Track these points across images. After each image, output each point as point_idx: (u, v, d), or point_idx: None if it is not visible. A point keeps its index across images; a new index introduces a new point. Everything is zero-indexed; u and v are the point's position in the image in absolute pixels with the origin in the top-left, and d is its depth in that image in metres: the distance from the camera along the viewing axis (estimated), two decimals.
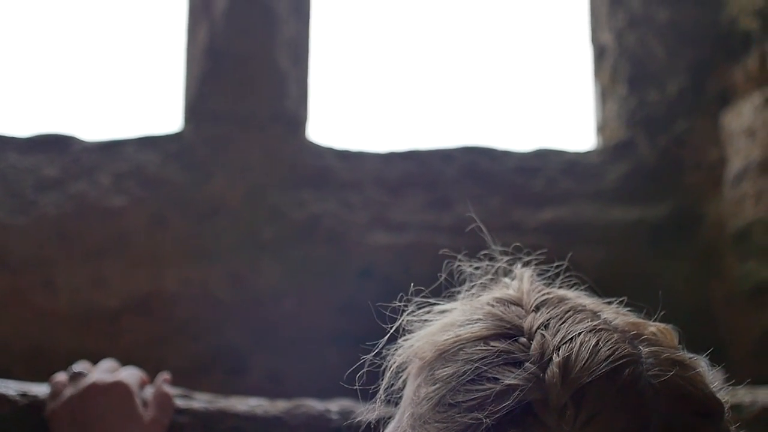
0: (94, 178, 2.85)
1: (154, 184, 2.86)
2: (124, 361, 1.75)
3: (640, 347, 0.99)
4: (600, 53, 3.06)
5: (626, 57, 2.97)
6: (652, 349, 1.00)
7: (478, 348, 1.00)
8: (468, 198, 2.86)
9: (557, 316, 1.02)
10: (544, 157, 2.95)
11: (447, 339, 1.04)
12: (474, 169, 2.90)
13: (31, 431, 1.63)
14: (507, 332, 1.01)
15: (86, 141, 2.92)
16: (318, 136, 2.99)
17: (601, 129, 3.03)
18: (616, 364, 0.95)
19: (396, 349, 1.15)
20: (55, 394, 1.63)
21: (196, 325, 2.73)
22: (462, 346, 1.02)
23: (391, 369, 1.14)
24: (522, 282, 1.13)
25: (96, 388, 1.59)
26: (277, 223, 2.83)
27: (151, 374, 1.72)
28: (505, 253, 1.25)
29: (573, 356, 0.95)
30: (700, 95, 2.91)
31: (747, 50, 2.84)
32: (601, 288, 2.71)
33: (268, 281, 2.78)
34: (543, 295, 1.08)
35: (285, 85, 2.92)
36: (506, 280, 1.18)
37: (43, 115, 3.09)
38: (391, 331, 1.17)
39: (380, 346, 1.18)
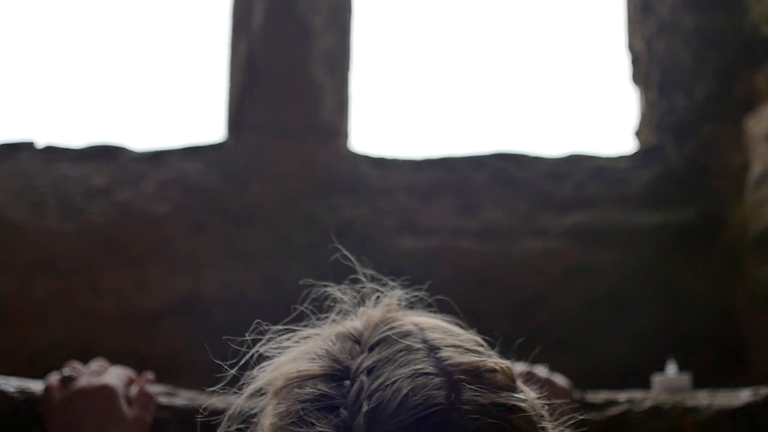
0: (139, 186, 3.01)
1: (195, 192, 3.00)
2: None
3: (462, 392, 0.98)
4: (634, 59, 3.10)
5: (656, 63, 3.01)
6: (475, 393, 0.98)
7: (307, 389, 1.02)
8: (495, 202, 2.94)
9: (386, 357, 1.02)
10: (574, 162, 3.00)
11: (290, 373, 1.06)
12: (503, 175, 2.97)
13: (28, 425, 1.78)
14: (335, 374, 1.03)
15: (134, 151, 3.08)
16: (353, 144, 3.09)
17: (637, 134, 3.07)
18: (425, 413, 0.94)
19: (254, 374, 1.16)
20: (47, 395, 1.77)
21: (232, 327, 2.86)
22: (298, 383, 1.04)
23: (248, 393, 1.15)
24: (373, 314, 1.13)
25: (83, 392, 1.73)
26: (309, 229, 2.95)
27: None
28: (374, 279, 1.23)
29: (382, 405, 0.96)
30: (725, 101, 2.93)
31: None
32: (624, 290, 2.77)
33: (300, 285, 2.88)
34: (386, 330, 1.08)
35: (320, 96, 3.03)
36: (362, 309, 1.16)
37: (96, 126, 3.27)
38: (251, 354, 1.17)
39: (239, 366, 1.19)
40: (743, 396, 1.79)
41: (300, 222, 2.96)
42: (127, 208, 2.98)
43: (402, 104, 3.24)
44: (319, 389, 1.00)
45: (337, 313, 1.18)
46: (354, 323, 1.11)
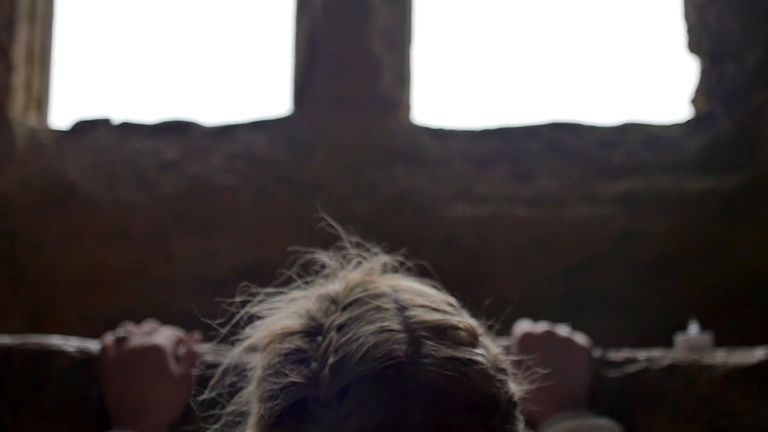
0: (208, 159, 3.16)
1: (260, 164, 3.14)
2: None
3: (422, 347, 1.07)
4: (690, 28, 3.13)
5: (708, 32, 3.05)
6: (434, 348, 1.07)
7: (285, 344, 1.14)
8: (549, 171, 3.02)
9: (357, 316, 1.12)
10: (627, 130, 3.06)
11: (275, 330, 1.18)
12: (557, 144, 3.05)
13: (86, 381, 1.94)
14: (310, 330, 1.14)
15: (204, 125, 3.23)
16: (414, 116, 3.19)
17: (693, 101, 3.12)
18: (385, 364, 1.04)
19: (247, 332, 1.26)
20: (103, 355, 1.93)
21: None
22: (279, 339, 1.16)
23: (241, 348, 1.26)
24: (352, 277, 1.24)
25: (134, 352, 1.91)
26: (369, 198, 3.06)
27: None
28: (359, 245, 1.34)
29: (347, 357, 1.05)
30: None
31: None
32: (673, 255, 2.83)
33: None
34: (361, 292, 1.18)
35: (379, 69, 3.14)
36: (343, 272, 1.28)
37: (169, 102, 3.42)
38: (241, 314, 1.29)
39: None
40: (758, 354, 1.86)
41: (360, 191, 3.08)
42: (196, 180, 3.14)
43: (462, 75, 3.33)
44: (296, 344, 1.13)
45: (324, 277, 1.29)
46: (335, 285, 1.22)
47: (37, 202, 3.17)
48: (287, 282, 1.30)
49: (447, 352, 1.08)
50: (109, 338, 1.96)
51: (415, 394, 1.03)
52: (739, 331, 2.79)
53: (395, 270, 1.31)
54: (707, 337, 1.98)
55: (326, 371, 1.06)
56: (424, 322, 1.11)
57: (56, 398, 1.93)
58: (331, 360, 1.07)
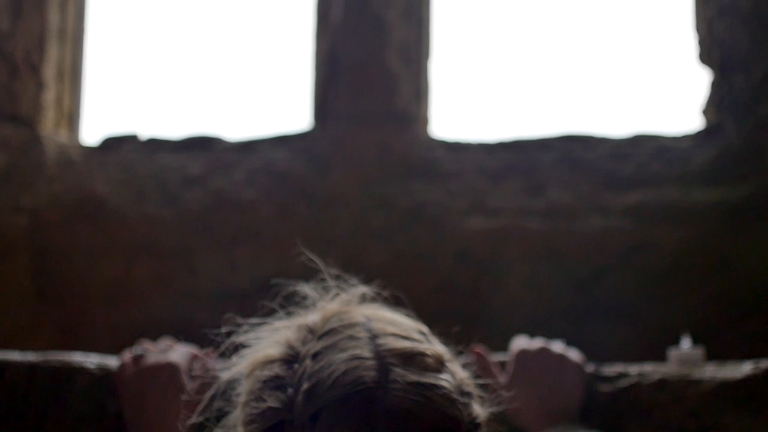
0: (231, 174, 3.26)
1: (281, 178, 3.24)
2: None
3: (390, 373, 1.15)
4: (701, 40, 3.19)
5: (717, 44, 3.10)
6: (401, 374, 1.15)
7: (265, 371, 1.23)
8: (561, 183, 3.09)
9: (331, 344, 1.20)
10: (638, 142, 3.12)
11: (257, 358, 1.27)
12: (569, 156, 3.12)
13: (105, 396, 2.04)
14: (288, 358, 1.23)
15: (227, 141, 3.34)
16: (431, 129, 3.28)
17: (704, 112, 3.17)
18: (354, 389, 1.13)
19: (233, 361, 1.34)
20: (121, 371, 2.04)
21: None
22: (261, 366, 1.25)
23: (228, 375, 1.34)
24: (329, 307, 1.32)
25: (150, 369, 2.01)
26: (386, 211, 3.15)
27: None
28: (338, 277, 1.43)
29: (319, 383, 1.14)
30: None
31: None
32: (682, 265, 2.89)
33: (376, 263, 3.10)
34: (336, 322, 1.26)
35: (396, 85, 3.22)
36: (321, 303, 1.36)
37: (194, 118, 3.54)
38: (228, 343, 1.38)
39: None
40: (745, 369, 1.92)
41: (377, 205, 3.16)
42: (219, 194, 3.24)
43: (476, 88, 3.41)
44: (275, 372, 1.22)
45: (305, 307, 1.38)
46: (313, 316, 1.31)
47: (67, 217, 3.29)
48: (271, 312, 1.37)
49: (413, 377, 1.16)
50: (127, 355, 2.06)
51: (382, 417, 1.11)
52: (747, 341, 2.85)
53: (372, 300, 1.38)
54: (699, 352, 2.04)
55: (300, 396, 1.15)
56: (394, 349, 1.20)
57: (77, 412, 2.04)
58: (305, 386, 1.16)
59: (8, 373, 2.05)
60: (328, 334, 1.24)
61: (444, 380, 1.19)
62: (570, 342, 2.10)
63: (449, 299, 3.04)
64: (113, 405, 2.03)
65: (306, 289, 1.42)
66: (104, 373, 2.07)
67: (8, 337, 3.13)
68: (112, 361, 2.09)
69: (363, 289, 1.41)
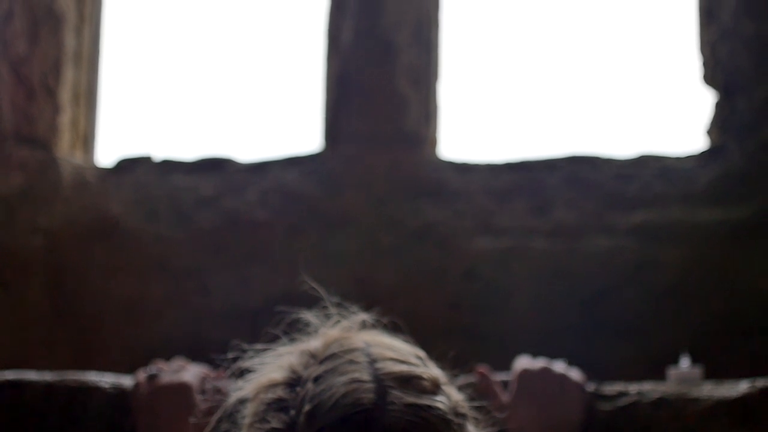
0: (243, 194, 3.33)
1: (293, 199, 3.30)
2: None
3: (387, 395, 1.21)
4: (705, 62, 3.24)
5: (720, 67, 3.16)
6: (398, 396, 1.21)
7: (269, 394, 1.29)
8: (566, 203, 3.14)
9: (332, 368, 1.26)
10: (643, 163, 3.17)
11: (262, 382, 1.33)
12: (575, 177, 3.17)
13: (120, 415, 2.11)
14: (291, 382, 1.29)
15: (239, 162, 3.40)
16: (440, 151, 3.34)
17: (708, 133, 3.22)
18: (353, 411, 1.18)
19: (239, 385, 1.40)
20: (135, 390, 2.11)
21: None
22: (265, 389, 1.30)
23: (234, 398, 1.40)
24: (331, 333, 1.38)
25: (163, 388, 2.09)
26: (395, 230, 3.21)
27: None
28: (339, 305, 1.48)
29: (320, 405, 1.20)
30: None
31: None
32: (686, 284, 2.93)
33: (386, 281, 3.16)
34: (337, 347, 1.31)
35: (405, 107, 3.28)
36: (323, 329, 1.42)
37: (207, 139, 3.61)
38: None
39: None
40: (741, 388, 1.97)
41: (387, 224, 3.22)
42: (232, 215, 3.31)
43: (485, 110, 3.47)
44: (278, 394, 1.28)
45: (308, 334, 1.43)
46: (315, 341, 1.36)
47: (83, 237, 3.36)
48: (275, 339, 1.44)
49: (410, 399, 1.22)
50: (141, 375, 2.13)
51: None
52: (750, 359, 2.90)
53: (372, 326, 1.45)
54: (697, 371, 2.10)
55: (302, 418, 1.21)
56: (392, 373, 1.26)
57: (93, 430, 2.10)
58: (306, 408, 1.21)
59: (27, 392, 2.12)
60: (329, 358, 1.29)
61: (439, 402, 1.24)
62: (575, 360, 2.16)
63: (457, 317, 3.10)
64: (127, 424, 2.09)
65: (309, 316, 1.47)
66: (119, 392, 2.14)
67: (25, 354, 3.20)
68: (126, 381, 2.16)
69: (363, 316, 1.47)
